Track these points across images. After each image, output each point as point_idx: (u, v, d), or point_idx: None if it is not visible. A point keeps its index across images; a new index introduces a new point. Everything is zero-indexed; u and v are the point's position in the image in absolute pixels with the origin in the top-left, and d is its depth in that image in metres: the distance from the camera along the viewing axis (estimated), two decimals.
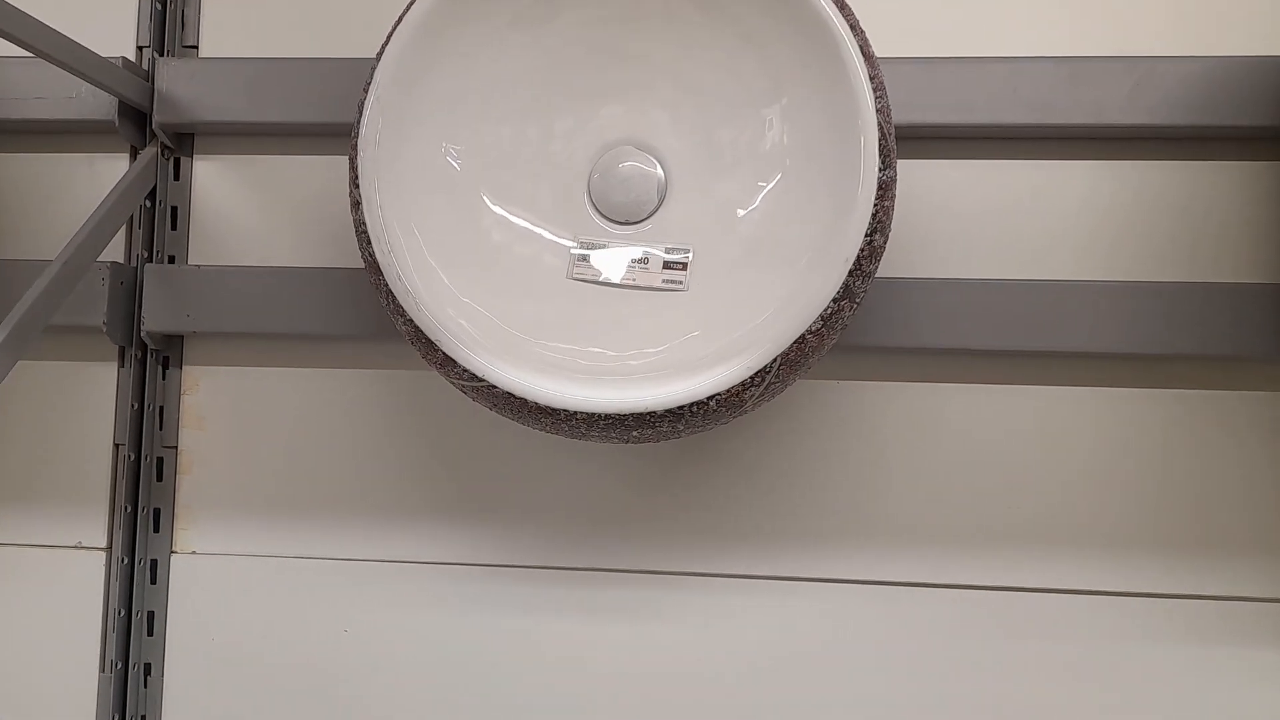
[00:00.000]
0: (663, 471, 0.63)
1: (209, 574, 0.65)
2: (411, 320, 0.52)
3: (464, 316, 0.52)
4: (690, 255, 0.57)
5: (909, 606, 0.61)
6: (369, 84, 0.53)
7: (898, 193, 0.63)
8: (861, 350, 0.62)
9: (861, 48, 0.51)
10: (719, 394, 0.50)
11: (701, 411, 0.50)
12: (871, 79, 0.51)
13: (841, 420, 0.63)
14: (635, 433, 0.52)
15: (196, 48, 0.68)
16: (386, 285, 0.52)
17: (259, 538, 0.65)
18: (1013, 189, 0.62)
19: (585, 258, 0.57)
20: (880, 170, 0.50)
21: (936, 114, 0.61)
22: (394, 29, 0.53)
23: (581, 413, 0.50)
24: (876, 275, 0.61)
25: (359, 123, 0.53)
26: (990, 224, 0.62)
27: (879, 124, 0.50)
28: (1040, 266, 0.62)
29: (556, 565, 0.63)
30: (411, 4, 0.53)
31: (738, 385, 0.50)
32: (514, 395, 0.51)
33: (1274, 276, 0.59)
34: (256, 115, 0.65)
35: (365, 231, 0.52)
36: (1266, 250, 0.60)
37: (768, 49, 0.53)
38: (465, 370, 0.51)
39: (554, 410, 0.50)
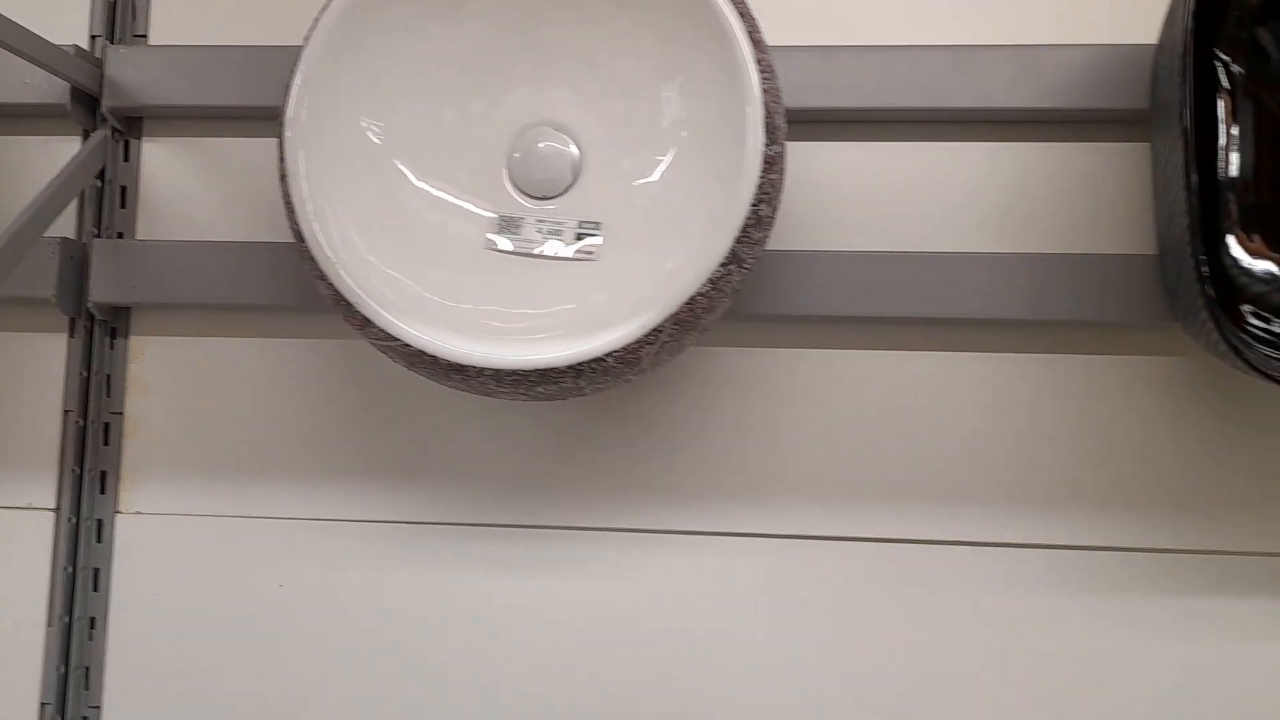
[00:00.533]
0: (583, 433, 0.67)
1: (152, 533, 0.68)
2: (331, 284, 0.55)
3: (382, 282, 0.56)
4: (600, 228, 0.61)
5: (806, 558, 0.65)
6: (295, 66, 0.57)
7: (801, 173, 0.67)
8: (767, 319, 0.66)
9: (750, 33, 0.55)
10: (615, 351, 0.54)
11: (600, 368, 0.54)
12: (759, 62, 0.55)
13: (749, 384, 0.67)
14: (540, 389, 0.56)
15: (145, 36, 0.72)
16: (309, 252, 0.56)
17: (200, 498, 0.68)
18: (909, 169, 0.66)
19: (503, 230, 0.61)
20: (765, 146, 0.54)
21: (835, 98, 0.65)
22: (319, 15, 0.57)
23: (489, 369, 0.54)
24: (781, 249, 0.65)
25: (285, 102, 0.57)
26: (888, 201, 0.67)
27: (764, 103, 0.54)
28: (934, 240, 0.66)
29: (481, 522, 0.67)
30: None
31: (633, 343, 0.54)
32: (425, 353, 0.54)
33: (1148, 248, 0.63)
34: (200, 99, 0.68)
35: (290, 202, 0.56)
36: (1141, 223, 0.64)
37: (665, 33, 0.58)
38: (382, 331, 0.55)
39: (462, 367, 0.54)
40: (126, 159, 0.71)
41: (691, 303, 0.54)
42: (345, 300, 0.55)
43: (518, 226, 0.61)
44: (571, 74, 0.61)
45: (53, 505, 0.69)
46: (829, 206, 0.67)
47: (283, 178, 0.57)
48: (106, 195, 0.71)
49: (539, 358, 0.54)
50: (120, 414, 0.70)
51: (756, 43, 0.55)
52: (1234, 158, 0.56)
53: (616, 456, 0.67)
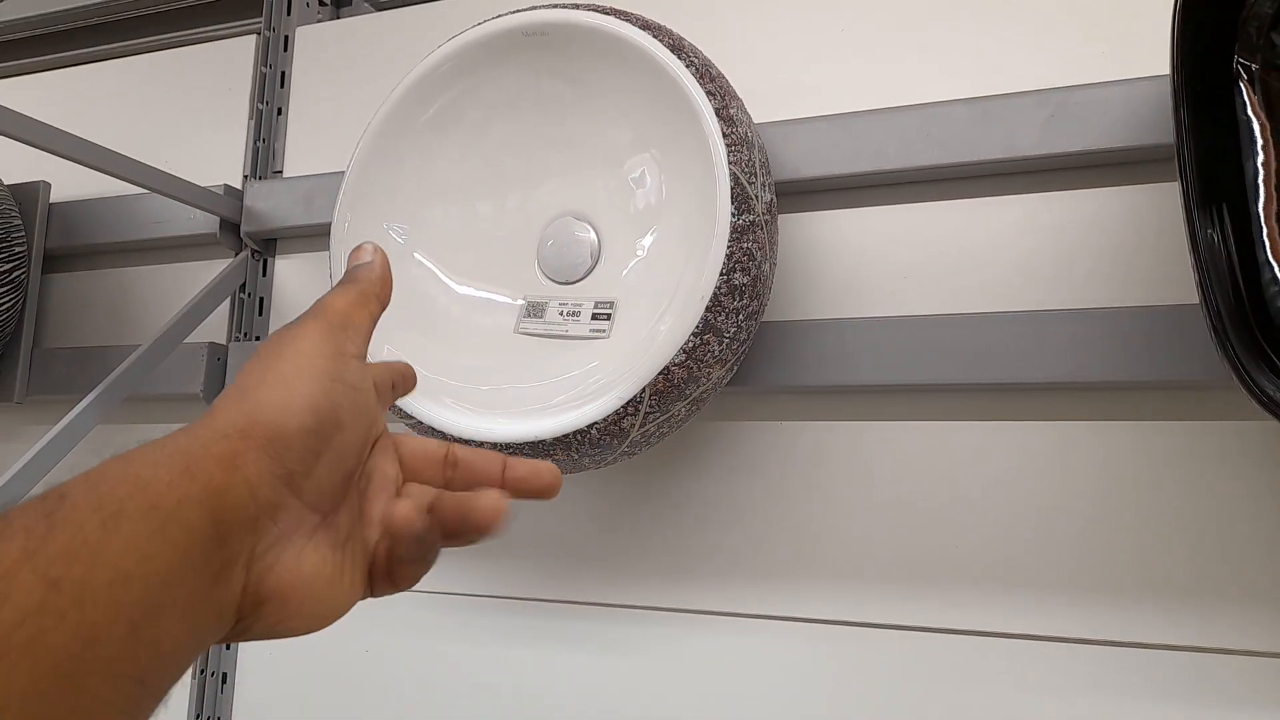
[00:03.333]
0: (619, 511, 0.69)
1: None
2: None
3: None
4: (614, 308, 0.64)
5: (847, 645, 0.62)
6: (339, 188, 0.66)
7: (830, 241, 0.66)
8: (800, 391, 0.65)
9: (718, 111, 0.57)
10: (597, 423, 0.56)
11: (587, 440, 0.57)
12: (726, 136, 0.56)
13: (785, 460, 0.65)
14: (524, 453, 0.59)
15: (281, 172, 0.85)
16: None
17: None
18: (940, 228, 0.64)
19: (530, 315, 0.66)
20: (734, 216, 0.55)
21: (854, 164, 0.64)
22: (356, 146, 0.66)
23: (488, 443, 0.58)
24: (815, 318, 0.64)
25: (334, 213, 0.65)
26: (924, 264, 0.64)
27: (732, 174, 0.56)
28: (969, 300, 0.62)
29: (530, 597, 0.70)
30: (371, 119, 0.65)
31: (613, 415, 0.56)
32: (433, 429, 0.60)
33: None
34: (313, 219, 0.80)
35: None
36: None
37: (640, 114, 0.61)
38: (403, 411, 0.61)
39: (466, 441, 0.59)
40: (264, 274, 0.84)
41: (667, 373, 0.55)
42: None
43: (542, 311, 0.66)
44: (584, 166, 0.65)
45: None
46: (861, 273, 0.65)
47: (331, 279, 0.65)
48: (247, 306, 0.83)
49: (528, 430, 0.57)
50: None
51: (726, 118, 0.57)
52: (1260, 174, 0.49)
53: (658, 535, 0.68)
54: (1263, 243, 0.47)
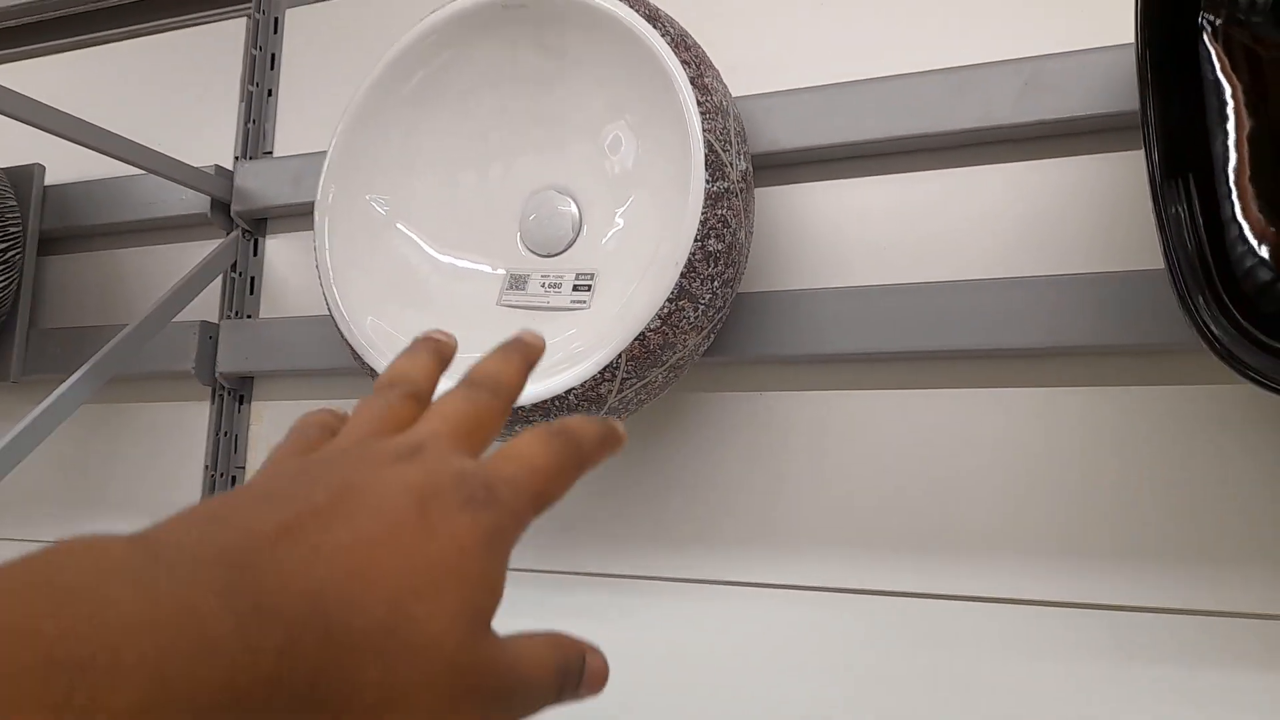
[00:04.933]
0: (602, 481, 0.70)
1: None
2: (346, 341, 0.63)
3: (388, 339, 0.63)
4: (595, 279, 0.64)
5: (829, 611, 0.62)
6: (324, 161, 0.66)
7: (811, 212, 0.67)
8: (779, 361, 0.66)
9: (693, 78, 0.57)
10: (575, 389, 0.57)
11: (564, 406, 0.57)
12: (700, 105, 0.57)
13: (765, 429, 0.66)
14: (517, 427, 0.59)
15: (272, 152, 0.86)
16: (331, 315, 0.64)
17: None
18: (920, 198, 0.64)
19: (512, 287, 0.66)
20: (708, 183, 0.56)
21: (839, 134, 0.65)
22: (340, 117, 0.66)
23: None
24: (799, 288, 0.65)
25: (318, 187, 0.66)
26: (903, 233, 0.64)
27: (706, 141, 0.56)
28: (949, 269, 0.62)
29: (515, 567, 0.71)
30: (355, 94, 0.66)
31: (590, 380, 0.56)
32: None
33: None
34: (302, 197, 0.81)
35: (319, 270, 0.65)
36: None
37: (618, 82, 0.61)
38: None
39: None
40: (255, 254, 0.85)
41: (643, 339, 0.56)
42: (357, 354, 0.63)
43: (524, 283, 0.66)
44: (563, 138, 0.66)
45: None
46: (841, 244, 0.66)
47: (315, 250, 0.66)
48: (238, 285, 0.84)
49: None
50: (243, 468, 0.82)
51: (701, 87, 0.57)
52: (1229, 131, 0.49)
53: (640, 506, 0.68)
54: (1231, 202, 0.48)
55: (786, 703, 0.62)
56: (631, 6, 0.59)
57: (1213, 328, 0.46)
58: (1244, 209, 0.49)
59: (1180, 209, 0.49)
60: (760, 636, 0.64)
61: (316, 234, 0.65)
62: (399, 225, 0.67)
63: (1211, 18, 0.48)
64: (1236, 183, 0.49)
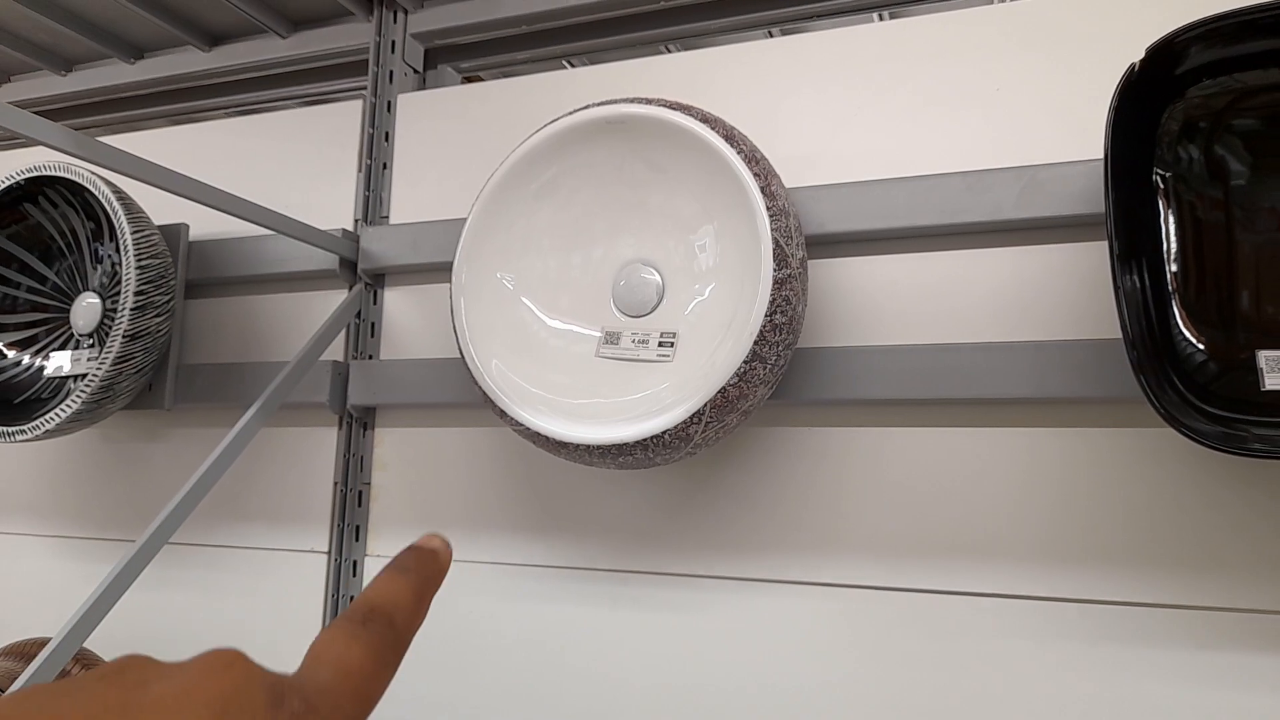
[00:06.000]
0: (682, 498, 0.86)
1: None
2: (479, 387, 0.79)
3: (509, 384, 0.79)
4: (676, 338, 0.80)
5: (864, 604, 0.78)
6: (458, 240, 0.82)
7: (849, 283, 0.82)
8: (826, 404, 0.81)
9: (763, 188, 0.73)
10: (669, 430, 0.72)
11: (659, 443, 0.73)
12: (769, 209, 0.72)
13: (815, 458, 0.82)
14: (621, 459, 0.75)
15: (388, 217, 1.02)
16: (467, 365, 0.80)
17: None
18: (935, 275, 0.80)
19: (608, 342, 0.82)
20: (775, 270, 0.71)
21: (874, 221, 0.81)
22: (472, 205, 0.82)
23: (582, 445, 0.75)
24: (836, 345, 0.81)
25: (454, 263, 0.82)
26: (921, 302, 0.80)
27: (774, 239, 0.72)
28: (958, 332, 0.78)
29: (604, 568, 0.87)
30: (484, 187, 0.82)
31: (681, 424, 0.72)
32: (539, 433, 0.76)
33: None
34: (419, 259, 0.96)
35: (455, 331, 0.81)
36: None
37: (701, 191, 0.77)
38: (512, 418, 0.78)
39: (564, 443, 0.75)
40: (375, 303, 1.01)
41: (723, 392, 0.71)
42: (488, 397, 0.79)
43: (617, 339, 0.82)
44: (657, 227, 0.82)
45: (326, 549, 0.97)
46: (872, 309, 0.82)
47: (452, 314, 0.82)
48: (362, 330, 1.00)
49: (613, 435, 0.74)
50: (369, 484, 0.97)
51: (769, 194, 0.73)
52: (1174, 253, 0.65)
53: (707, 517, 0.84)
54: (1174, 311, 0.64)
55: (839, 679, 0.78)
56: (712, 127, 0.75)
57: (1153, 386, 0.61)
58: (1182, 308, 0.65)
59: (1134, 280, 0.64)
60: (798, 624, 0.80)
61: (454, 307, 0.81)
62: (523, 299, 0.83)
63: (1162, 172, 0.64)
64: (1180, 288, 0.65)
